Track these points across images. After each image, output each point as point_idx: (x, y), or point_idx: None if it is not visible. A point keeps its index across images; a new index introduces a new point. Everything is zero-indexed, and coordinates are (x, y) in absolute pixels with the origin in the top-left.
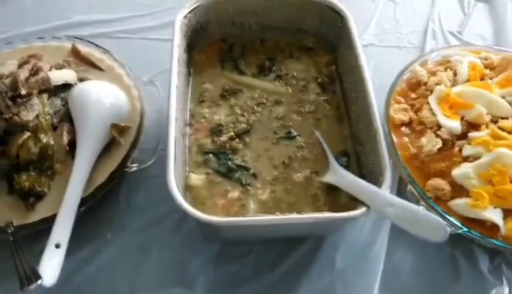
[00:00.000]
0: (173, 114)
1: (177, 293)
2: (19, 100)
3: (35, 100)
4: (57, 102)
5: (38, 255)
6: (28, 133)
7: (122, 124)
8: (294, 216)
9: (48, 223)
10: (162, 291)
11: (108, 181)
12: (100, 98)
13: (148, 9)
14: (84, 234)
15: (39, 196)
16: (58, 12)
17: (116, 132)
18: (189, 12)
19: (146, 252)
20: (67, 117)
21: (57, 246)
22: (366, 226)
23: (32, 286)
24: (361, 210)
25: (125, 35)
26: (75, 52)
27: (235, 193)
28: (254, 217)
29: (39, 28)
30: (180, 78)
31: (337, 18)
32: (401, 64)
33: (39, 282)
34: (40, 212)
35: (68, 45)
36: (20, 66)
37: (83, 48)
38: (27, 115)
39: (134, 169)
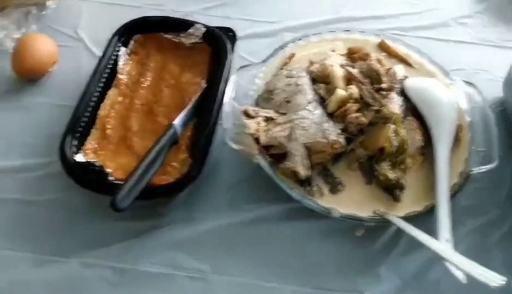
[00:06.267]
0: None
1: None
2: (382, 93)
3: (394, 94)
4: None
5: None
6: (393, 126)
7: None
8: None
9: (413, 217)
10: None
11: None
12: (448, 97)
13: (417, 8)
14: None
15: (401, 189)
16: (325, 7)
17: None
18: None
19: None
20: (409, 112)
21: (447, 240)
22: None
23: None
24: None
25: (397, 32)
26: (384, 47)
27: None
28: None
29: (309, 22)
30: None
31: None
32: None
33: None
34: (407, 204)
35: (369, 39)
36: (354, 59)
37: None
38: (394, 108)
39: (477, 171)
